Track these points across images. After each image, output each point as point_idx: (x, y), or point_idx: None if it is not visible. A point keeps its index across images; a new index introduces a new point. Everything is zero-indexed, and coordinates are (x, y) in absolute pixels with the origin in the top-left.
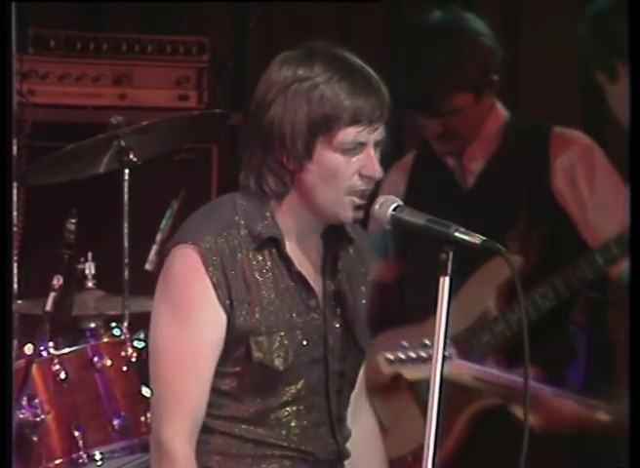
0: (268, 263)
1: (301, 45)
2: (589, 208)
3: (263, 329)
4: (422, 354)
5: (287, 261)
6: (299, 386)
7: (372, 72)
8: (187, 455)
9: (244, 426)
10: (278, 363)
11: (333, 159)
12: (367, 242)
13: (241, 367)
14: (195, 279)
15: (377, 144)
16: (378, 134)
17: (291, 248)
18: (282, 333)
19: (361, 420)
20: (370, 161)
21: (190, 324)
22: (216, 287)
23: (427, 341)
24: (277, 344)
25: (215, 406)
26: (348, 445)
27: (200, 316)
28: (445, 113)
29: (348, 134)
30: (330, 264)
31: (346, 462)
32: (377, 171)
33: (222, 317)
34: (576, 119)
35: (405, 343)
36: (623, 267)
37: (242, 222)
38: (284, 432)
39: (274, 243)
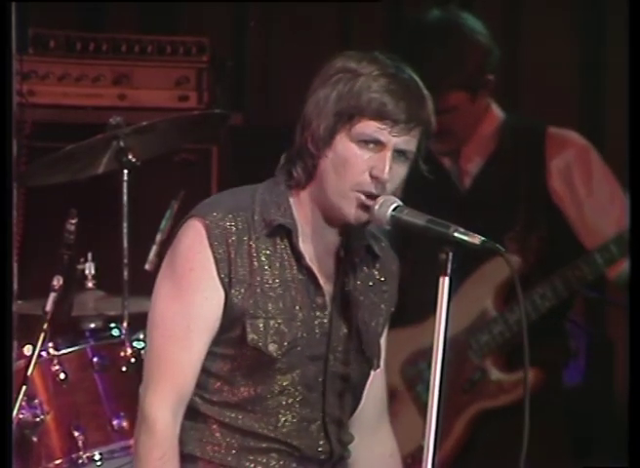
0: (278, 252)
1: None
2: (586, 208)
3: (261, 312)
4: None
5: (298, 254)
6: (292, 378)
7: (420, 85)
8: (167, 423)
9: (233, 413)
10: (272, 348)
11: (348, 148)
12: (397, 267)
13: (235, 349)
14: (198, 251)
15: (400, 153)
16: (402, 141)
17: (305, 243)
18: (280, 321)
19: (381, 445)
20: (382, 162)
21: (188, 296)
22: (217, 261)
23: None
24: (273, 330)
25: (206, 388)
26: (365, 467)
27: (198, 289)
28: (440, 111)
29: (368, 126)
30: (346, 271)
31: None
32: (385, 173)
33: (220, 293)
34: (574, 120)
35: None
36: (622, 268)
37: (257, 209)
38: (272, 421)
39: (286, 233)
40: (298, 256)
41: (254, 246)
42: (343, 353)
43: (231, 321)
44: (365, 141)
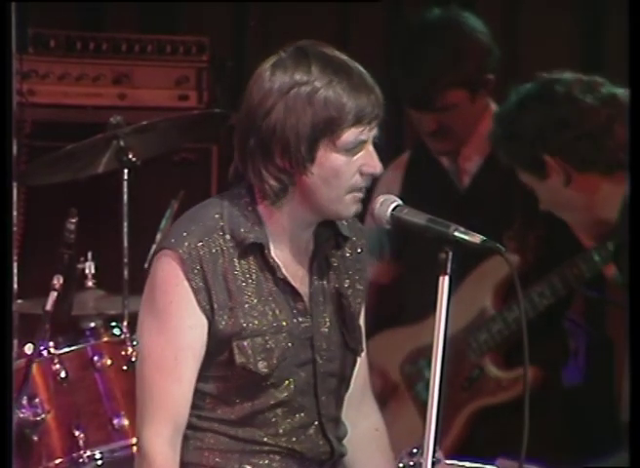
0: (253, 268)
1: (288, 46)
2: None
3: (246, 333)
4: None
5: (271, 267)
6: (286, 389)
7: (363, 69)
8: (166, 458)
9: (232, 428)
10: (262, 366)
11: (335, 160)
12: (365, 238)
13: (226, 371)
14: (175, 284)
15: (373, 139)
16: (375, 129)
17: (278, 249)
18: (267, 337)
19: (366, 419)
20: (370, 158)
21: (171, 328)
22: (195, 292)
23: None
24: (261, 348)
25: (202, 408)
26: (353, 443)
27: (180, 321)
28: (439, 108)
29: (351, 134)
30: (318, 263)
31: (351, 461)
32: (377, 167)
33: (203, 322)
34: None
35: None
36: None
37: (226, 226)
38: (272, 431)
39: (258, 247)
40: (271, 269)
41: (229, 267)
42: (329, 350)
43: (218, 345)
44: (349, 148)
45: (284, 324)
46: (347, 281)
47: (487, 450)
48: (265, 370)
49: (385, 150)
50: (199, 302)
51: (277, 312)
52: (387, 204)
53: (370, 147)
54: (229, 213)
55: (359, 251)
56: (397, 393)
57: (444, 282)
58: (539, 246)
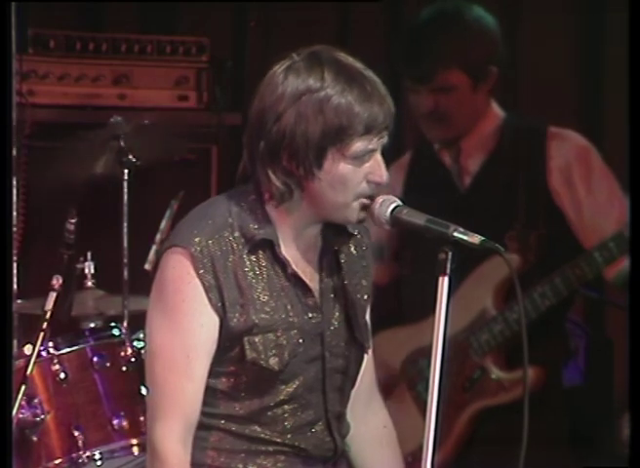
0: (263, 264)
1: (302, 50)
2: (585, 207)
3: (258, 329)
4: None
5: (282, 263)
6: (295, 385)
7: (376, 78)
8: (179, 456)
9: (239, 424)
10: (273, 362)
11: (343, 168)
12: (368, 236)
13: (236, 367)
14: (187, 282)
15: (382, 146)
16: (385, 139)
17: (287, 247)
18: (278, 333)
19: (374, 416)
20: (378, 167)
21: (182, 326)
22: (207, 290)
23: None
24: (272, 344)
25: (210, 404)
26: (362, 440)
27: (192, 319)
28: (438, 87)
29: (361, 144)
30: (327, 260)
31: (360, 457)
32: (384, 176)
33: (215, 319)
34: (573, 120)
35: None
36: (620, 268)
37: (235, 224)
38: (279, 429)
39: (268, 244)
40: (282, 265)
41: (239, 264)
42: (337, 347)
43: (230, 341)
44: (359, 157)
45: (295, 320)
46: (354, 277)
47: (488, 452)
48: (277, 366)
49: (387, 151)
50: (210, 300)
51: (288, 308)
52: (387, 204)
53: (378, 156)
54: (238, 210)
55: (364, 248)
56: (398, 393)
57: (444, 282)
58: (540, 246)
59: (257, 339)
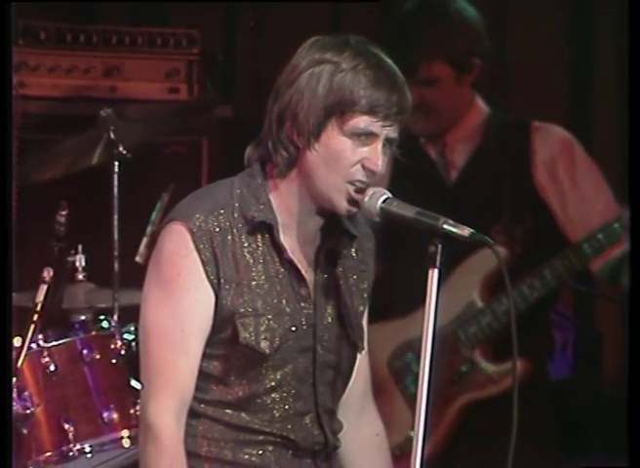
0: (260, 248)
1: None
2: (570, 200)
3: (251, 310)
4: None
5: (279, 248)
6: (285, 373)
7: (399, 73)
8: (172, 431)
9: (228, 411)
10: (264, 345)
11: (340, 143)
12: (372, 243)
13: (227, 349)
14: (184, 255)
15: (388, 141)
16: (391, 130)
17: (286, 235)
18: (270, 317)
19: (368, 425)
20: (375, 155)
21: (178, 300)
22: (204, 263)
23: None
24: (264, 327)
25: (201, 389)
26: (354, 447)
27: (188, 293)
28: (422, 80)
29: (362, 121)
30: (324, 257)
31: (352, 464)
32: (379, 166)
33: (210, 295)
34: (561, 118)
35: None
36: (605, 261)
37: (236, 205)
38: (267, 417)
39: (267, 228)
40: (279, 250)
41: (237, 244)
42: (330, 341)
43: (222, 321)
44: (357, 134)
45: (287, 307)
46: (349, 279)
47: (477, 444)
48: (268, 349)
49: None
50: (207, 274)
51: (281, 294)
52: (377, 196)
53: (379, 146)
54: (240, 193)
55: (366, 253)
56: (385, 386)
57: (433, 275)
58: (527, 239)
59: (249, 321)
